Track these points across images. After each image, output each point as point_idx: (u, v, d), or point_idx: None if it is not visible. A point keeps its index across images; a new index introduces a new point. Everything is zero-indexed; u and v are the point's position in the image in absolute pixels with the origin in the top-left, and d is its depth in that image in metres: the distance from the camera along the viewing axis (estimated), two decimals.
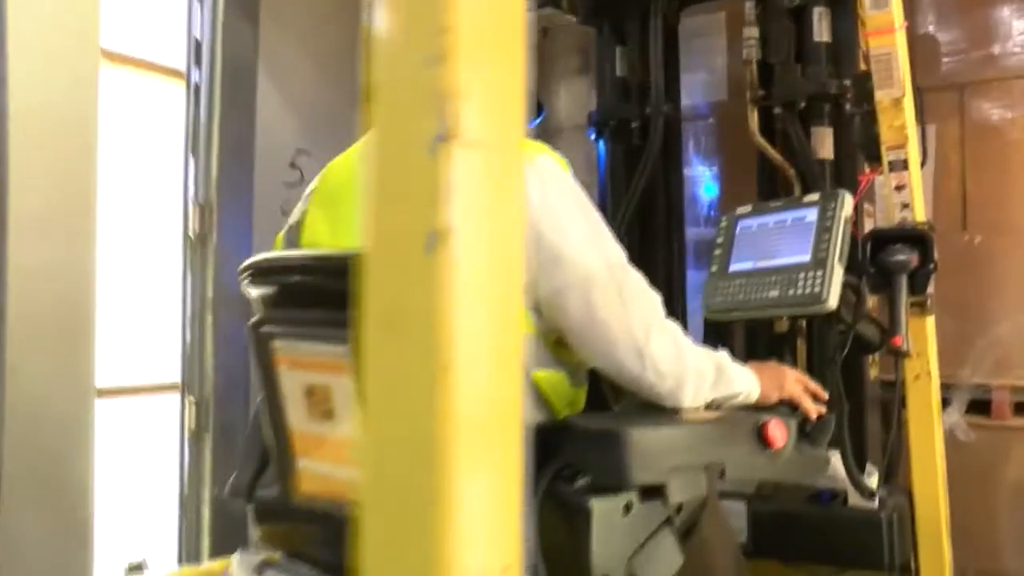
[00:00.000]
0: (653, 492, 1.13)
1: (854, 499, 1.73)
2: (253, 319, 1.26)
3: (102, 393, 2.11)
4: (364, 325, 0.46)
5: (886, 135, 1.68)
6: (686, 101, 2.62)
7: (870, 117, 1.75)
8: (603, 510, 1.09)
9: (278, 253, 1.31)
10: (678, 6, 2.48)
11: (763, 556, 1.77)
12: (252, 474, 1.42)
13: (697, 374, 1.25)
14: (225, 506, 2.36)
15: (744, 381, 1.33)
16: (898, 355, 1.56)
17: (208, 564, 1.60)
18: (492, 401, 0.44)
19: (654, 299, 1.24)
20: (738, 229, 1.76)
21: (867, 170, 1.89)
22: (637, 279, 1.24)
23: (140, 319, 2.93)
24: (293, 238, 1.37)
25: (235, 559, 1.33)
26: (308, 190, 1.43)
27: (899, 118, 1.65)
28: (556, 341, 1.22)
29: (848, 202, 1.60)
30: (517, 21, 0.46)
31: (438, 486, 0.43)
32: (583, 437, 1.12)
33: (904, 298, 1.56)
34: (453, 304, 0.43)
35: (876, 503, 1.72)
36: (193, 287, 2.55)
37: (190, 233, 2.55)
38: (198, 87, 2.59)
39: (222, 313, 2.53)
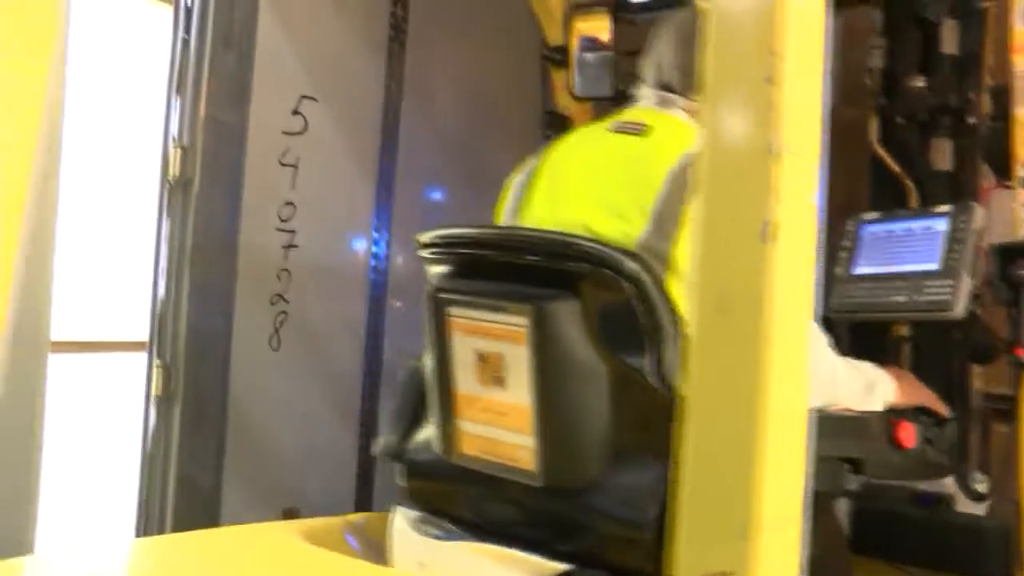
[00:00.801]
0: None
1: (962, 505, 1.80)
2: (432, 286, 1.38)
3: (58, 347, 1.66)
4: (694, 305, 0.57)
5: (1021, 151, 1.74)
6: None
7: (1003, 131, 1.81)
8: None
9: (465, 227, 1.43)
10: None
11: (862, 553, 1.85)
12: (402, 433, 1.56)
13: (848, 398, 1.35)
14: (194, 481, 2.30)
15: (886, 395, 1.41)
16: (1020, 366, 1.63)
17: (359, 515, 1.73)
18: (800, 370, 0.55)
19: (822, 354, 1.33)
20: (864, 233, 1.83)
21: (991, 183, 1.95)
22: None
23: (111, 268, 2.76)
24: (514, 209, 1.48)
25: (396, 513, 1.46)
26: (529, 167, 1.53)
27: None
28: None
29: (980, 215, 1.67)
30: (819, 50, 0.57)
31: (755, 446, 0.53)
32: None
33: None
34: (780, 286, 0.53)
35: (983, 510, 1.79)
36: (171, 236, 2.30)
37: (169, 177, 2.29)
38: (189, 11, 2.30)
39: (201, 267, 2.30)
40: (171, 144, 2.29)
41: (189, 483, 2.30)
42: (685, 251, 1.29)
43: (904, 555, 1.81)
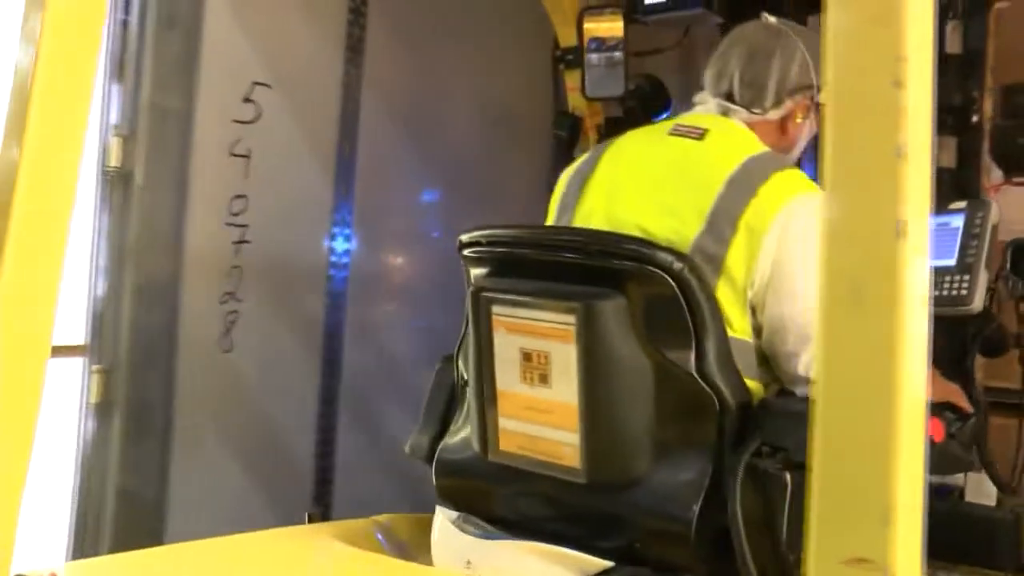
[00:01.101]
0: None
1: (972, 495, 1.85)
2: (475, 285, 1.39)
3: None
4: (825, 299, 0.59)
5: None
6: None
7: (1013, 130, 1.86)
8: (798, 483, 1.23)
9: (509, 226, 1.44)
10: (805, 8, 2.58)
11: None
12: (433, 433, 1.57)
13: None
14: (135, 495, 2.15)
15: None
16: None
17: (385, 516, 1.74)
18: (922, 359, 0.58)
19: None
20: None
21: (998, 180, 2.00)
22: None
23: None
24: (567, 205, 1.50)
25: (438, 512, 1.47)
26: (583, 165, 1.55)
27: None
28: (762, 358, 1.36)
29: (995, 211, 1.72)
30: (930, 51, 0.60)
31: (891, 433, 0.56)
32: (782, 416, 1.26)
33: None
34: (909, 280, 0.56)
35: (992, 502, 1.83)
36: (110, 231, 2.15)
37: (108, 168, 2.14)
38: None
39: (143, 265, 2.16)
40: (109, 133, 2.14)
41: (130, 497, 2.15)
42: (739, 255, 1.32)
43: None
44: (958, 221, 1.76)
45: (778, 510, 1.23)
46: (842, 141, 0.60)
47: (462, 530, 1.41)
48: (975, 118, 2.23)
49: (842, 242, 0.58)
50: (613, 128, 2.43)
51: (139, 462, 2.17)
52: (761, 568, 1.24)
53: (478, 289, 1.40)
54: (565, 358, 1.31)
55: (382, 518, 1.73)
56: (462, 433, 1.52)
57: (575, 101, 2.40)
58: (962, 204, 1.79)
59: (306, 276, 2.52)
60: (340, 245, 2.57)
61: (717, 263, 1.32)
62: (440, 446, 1.54)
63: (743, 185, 1.36)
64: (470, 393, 1.47)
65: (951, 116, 2.29)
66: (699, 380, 1.27)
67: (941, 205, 2.26)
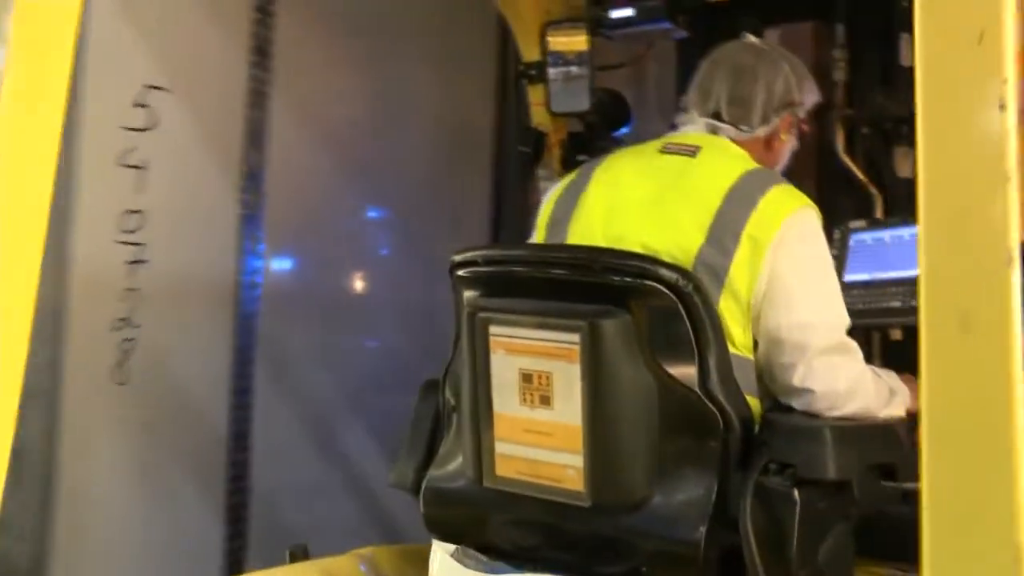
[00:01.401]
0: (843, 487, 1.26)
1: None
2: (472, 305, 1.35)
3: None
4: (931, 329, 0.57)
5: None
6: None
7: None
8: (806, 500, 1.22)
9: (506, 245, 1.40)
10: (765, 23, 2.61)
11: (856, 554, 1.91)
12: (419, 464, 1.52)
13: (876, 406, 1.40)
14: (8, 556, 1.91)
15: (906, 401, 1.46)
16: None
17: (366, 549, 1.67)
18: None
19: (858, 366, 1.38)
20: (852, 241, 1.90)
21: None
22: (851, 346, 1.38)
23: None
24: (559, 224, 1.47)
25: (435, 545, 1.42)
26: (571, 184, 1.53)
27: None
28: (760, 374, 1.36)
29: None
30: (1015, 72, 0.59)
31: (1012, 469, 0.54)
32: (789, 433, 1.25)
33: None
34: (1016, 304, 0.55)
35: None
36: None
37: None
38: None
39: None
40: None
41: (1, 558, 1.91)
42: (742, 267, 1.31)
43: (896, 552, 1.88)
44: None
45: (788, 528, 1.22)
46: (943, 168, 0.58)
47: (463, 563, 1.36)
48: None
49: (948, 270, 0.57)
50: (576, 143, 2.41)
51: (12, 517, 1.82)
52: None
53: (474, 310, 1.35)
54: (568, 378, 1.28)
55: (365, 551, 1.67)
56: (452, 460, 1.47)
57: (539, 116, 2.38)
58: None
59: (212, 298, 2.31)
60: (251, 263, 2.39)
61: (721, 275, 1.32)
62: (427, 475, 1.49)
63: (744, 198, 1.36)
64: (462, 418, 1.43)
65: (908, 127, 2.35)
66: (703, 398, 1.26)
67: (901, 211, 2.33)
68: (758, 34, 2.22)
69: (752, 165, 1.47)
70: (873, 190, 2.37)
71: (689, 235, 1.34)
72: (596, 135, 2.39)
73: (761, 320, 1.35)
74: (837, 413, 1.35)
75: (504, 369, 1.34)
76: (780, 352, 1.35)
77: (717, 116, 1.56)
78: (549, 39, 2.24)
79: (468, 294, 1.39)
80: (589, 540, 1.31)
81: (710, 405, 1.26)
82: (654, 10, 2.11)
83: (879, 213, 2.37)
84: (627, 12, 2.11)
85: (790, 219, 1.36)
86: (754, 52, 1.62)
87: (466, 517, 1.44)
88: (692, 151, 1.47)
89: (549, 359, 1.29)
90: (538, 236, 1.52)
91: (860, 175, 2.37)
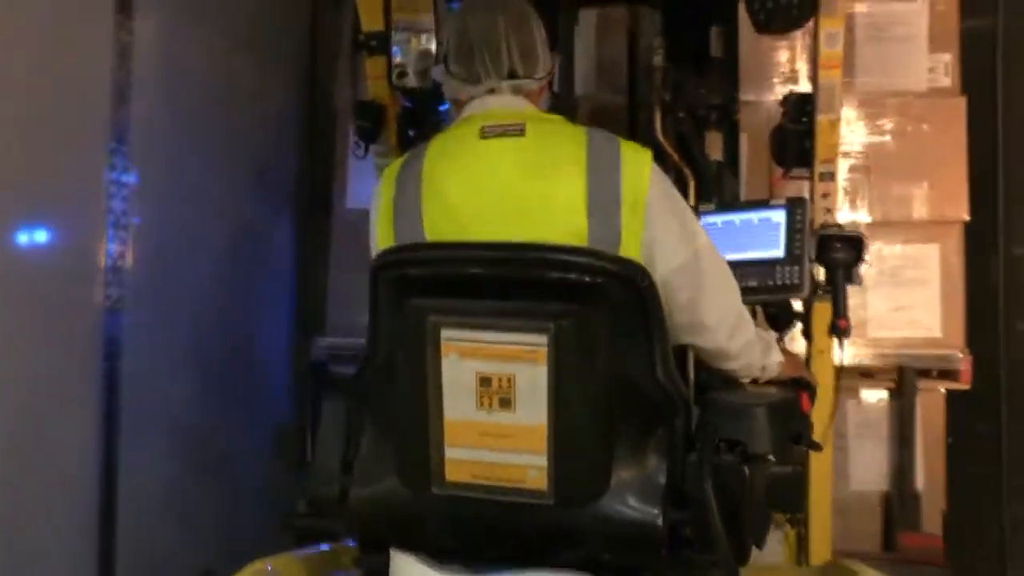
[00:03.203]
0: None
1: None
2: (417, 307, 1.29)
3: None
4: None
5: (821, 151, 2.08)
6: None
7: (799, 133, 2.14)
8: (754, 475, 1.34)
9: (455, 243, 1.34)
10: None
11: None
12: (340, 479, 1.45)
13: (760, 343, 1.54)
14: None
15: (777, 359, 1.63)
16: (843, 335, 1.97)
17: (269, 559, 1.55)
18: None
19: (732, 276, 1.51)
20: (704, 224, 2.05)
21: (779, 175, 2.30)
22: (723, 259, 1.50)
23: None
24: (412, 223, 1.40)
25: (395, 554, 1.36)
26: (399, 186, 1.45)
27: (834, 137, 2.06)
28: None
29: (810, 208, 1.98)
30: None
31: None
32: (737, 413, 1.35)
33: (845, 288, 1.98)
34: None
35: None
36: None
37: None
38: None
39: None
40: None
41: None
42: (630, 234, 1.35)
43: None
44: (779, 216, 1.99)
45: (741, 499, 1.32)
46: None
47: (439, 569, 1.31)
48: (736, 116, 2.53)
49: None
50: (408, 118, 2.36)
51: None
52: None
53: (422, 313, 1.29)
54: (533, 380, 1.28)
55: (269, 563, 1.56)
56: (378, 468, 1.41)
57: (378, 89, 2.28)
58: (780, 201, 2.02)
59: (70, 289, 2.10)
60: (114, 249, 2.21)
61: (615, 249, 1.33)
62: (353, 486, 1.42)
63: (604, 164, 1.38)
64: (398, 424, 1.38)
65: (715, 113, 2.58)
66: (659, 385, 1.32)
67: (713, 193, 2.55)
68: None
69: (576, 125, 1.48)
70: (687, 172, 2.58)
71: (571, 221, 1.34)
72: (426, 109, 2.34)
73: (656, 270, 1.37)
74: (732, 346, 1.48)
75: (457, 373, 1.31)
76: (679, 290, 1.41)
77: (513, 74, 1.52)
78: (394, 10, 2.15)
79: (408, 297, 1.32)
80: (550, 533, 1.33)
81: (662, 392, 1.32)
82: None
83: (692, 194, 2.59)
84: None
85: (652, 170, 1.40)
86: (506, 1, 1.56)
87: (406, 525, 1.39)
88: (517, 129, 1.42)
89: (511, 362, 1.28)
90: (383, 232, 1.45)
91: (676, 158, 2.56)
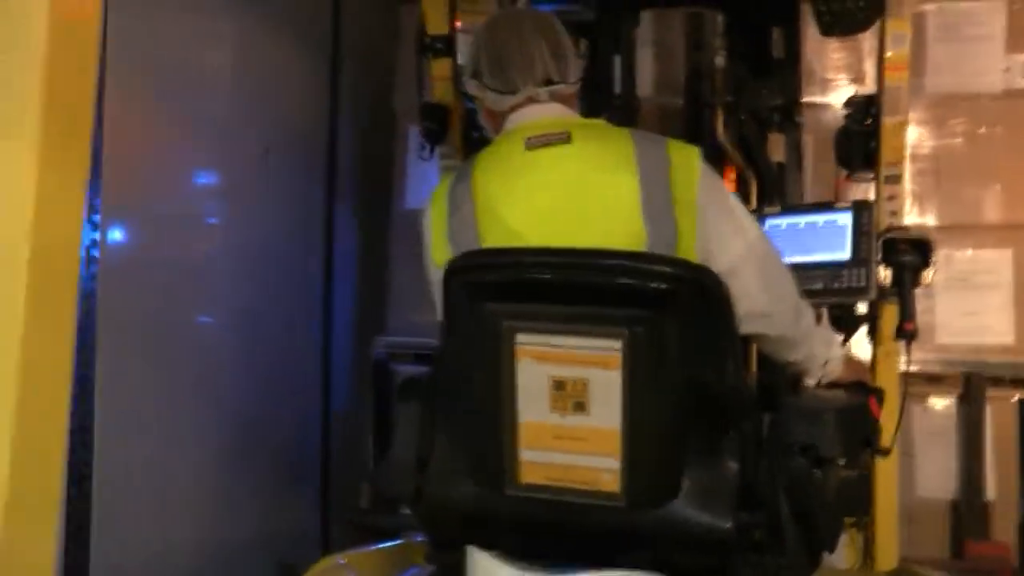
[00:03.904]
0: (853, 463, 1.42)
1: None
2: (491, 312, 1.34)
3: None
4: None
5: (887, 153, 2.09)
6: None
7: (865, 135, 2.15)
8: (827, 478, 1.37)
9: (530, 248, 1.40)
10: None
11: None
12: (412, 470, 1.51)
13: (822, 335, 1.57)
14: None
15: (839, 348, 1.66)
16: (910, 338, 1.98)
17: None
18: None
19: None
20: (767, 227, 2.08)
21: (843, 177, 2.32)
22: (774, 247, 1.56)
23: None
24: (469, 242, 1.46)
25: (473, 553, 1.41)
26: (455, 200, 1.52)
27: (900, 139, 2.07)
28: None
29: (875, 211, 1.99)
30: None
31: None
32: (810, 417, 1.39)
33: (912, 291, 1.99)
34: None
35: None
36: None
37: None
38: None
39: None
40: None
41: None
42: (686, 235, 1.40)
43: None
44: (844, 219, 2.01)
45: (813, 505, 1.35)
46: None
47: (523, 568, 1.36)
48: (799, 118, 2.55)
49: None
50: (471, 121, 2.42)
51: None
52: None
53: (496, 318, 1.35)
54: (606, 384, 1.33)
55: (341, 557, 1.63)
56: (452, 467, 1.47)
57: (442, 92, 2.35)
58: (845, 204, 2.04)
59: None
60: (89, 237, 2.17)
61: (673, 251, 1.39)
62: (428, 488, 1.48)
63: (653, 166, 1.42)
64: (472, 426, 1.43)
65: (777, 115, 2.60)
66: (729, 388, 1.35)
67: (775, 195, 2.57)
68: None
69: (619, 128, 1.52)
70: (749, 175, 2.60)
71: (628, 224, 1.39)
72: None
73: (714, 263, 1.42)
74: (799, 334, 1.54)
75: (532, 377, 1.35)
76: (743, 281, 1.44)
77: (548, 81, 1.56)
78: (459, 11, 2.22)
79: (482, 302, 1.38)
80: (620, 535, 1.37)
81: (733, 395, 1.36)
82: None
83: (754, 197, 2.61)
84: None
85: (700, 167, 1.44)
86: (525, 11, 1.67)
87: (478, 525, 1.45)
88: (562, 137, 1.47)
89: (585, 366, 1.33)
90: (436, 245, 1.51)
91: (739, 160, 2.58)
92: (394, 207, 3.18)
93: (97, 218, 2.14)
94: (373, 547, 1.76)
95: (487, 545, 1.43)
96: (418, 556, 1.75)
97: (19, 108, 1.04)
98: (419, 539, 1.81)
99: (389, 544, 1.80)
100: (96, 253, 2.14)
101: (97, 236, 2.15)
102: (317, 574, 1.57)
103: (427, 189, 2.72)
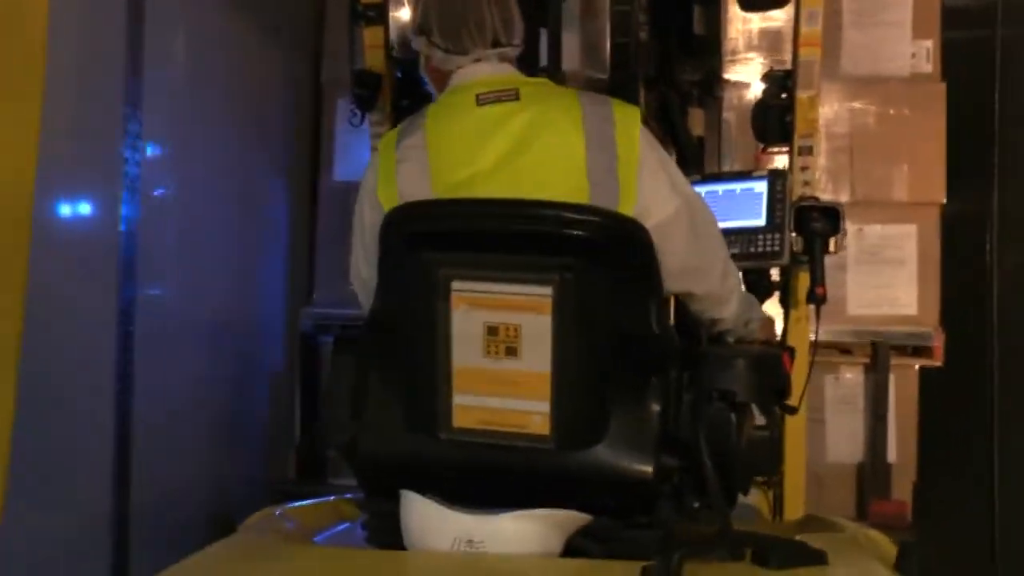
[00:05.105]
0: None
1: None
2: (427, 261, 1.42)
3: None
4: None
5: (801, 126, 2.24)
6: None
7: (780, 109, 2.29)
8: (740, 422, 1.49)
9: (466, 200, 1.47)
10: None
11: None
12: (347, 421, 1.57)
13: (746, 296, 1.70)
14: None
15: (760, 310, 1.79)
16: (820, 303, 2.13)
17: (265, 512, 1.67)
18: None
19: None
20: None
21: (759, 150, 2.46)
22: (708, 207, 1.67)
23: None
24: (419, 188, 1.53)
25: (407, 497, 1.48)
26: (406, 148, 1.57)
27: (813, 112, 2.21)
28: None
29: (789, 179, 2.13)
30: None
31: None
32: (732, 364, 1.50)
33: (822, 257, 2.13)
34: None
35: None
36: None
37: None
38: None
39: None
40: None
41: None
42: (627, 193, 1.48)
43: None
44: (760, 187, 2.14)
45: (729, 447, 1.47)
46: None
47: (458, 509, 1.44)
48: (719, 93, 2.68)
49: None
50: (401, 88, 2.48)
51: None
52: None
53: (432, 266, 1.42)
54: (537, 329, 1.41)
55: (277, 509, 1.68)
56: (386, 416, 1.54)
57: (374, 59, 2.40)
58: (762, 172, 2.17)
59: (83, 255, 2.24)
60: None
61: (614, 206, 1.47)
62: (361, 434, 1.54)
63: (598, 126, 1.51)
64: (407, 373, 1.50)
65: (697, 89, 2.73)
66: (654, 336, 1.46)
67: (695, 167, 2.71)
68: None
69: (565, 88, 1.64)
70: (670, 147, 2.73)
71: (572, 179, 1.47)
72: (415, 79, 2.46)
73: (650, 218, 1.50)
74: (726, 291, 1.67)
75: (467, 323, 1.43)
76: (673, 240, 1.53)
77: (496, 43, 1.64)
78: None
79: (420, 251, 1.45)
80: (550, 476, 1.46)
81: (657, 343, 1.46)
82: None
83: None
84: None
85: (640, 127, 1.54)
86: None
87: (414, 470, 1.52)
88: (511, 95, 1.55)
89: (518, 312, 1.42)
90: (386, 202, 1.54)
91: (660, 132, 2.71)
92: (322, 180, 3.22)
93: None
94: (307, 502, 1.82)
95: (421, 490, 1.50)
96: (348, 512, 1.82)
97: None
98: (348, 497, 1.88)
99: (321, 500, 1.86)
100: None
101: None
102: (254, 522, 1.62)
103: (355, 162, 2.78)
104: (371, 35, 2.37)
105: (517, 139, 1.52)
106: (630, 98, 2.71)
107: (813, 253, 2.15)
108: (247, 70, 3.01)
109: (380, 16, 2.32)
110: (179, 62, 2.62)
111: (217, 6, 2.82)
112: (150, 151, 2.47)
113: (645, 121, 1.60)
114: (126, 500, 2.33)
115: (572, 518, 1.44)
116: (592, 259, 1.41)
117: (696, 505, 1.50)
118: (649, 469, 1.44)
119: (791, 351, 1.86)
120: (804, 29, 2.18)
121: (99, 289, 2.33)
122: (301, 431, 3.02)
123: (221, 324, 2.82)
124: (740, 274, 1.73)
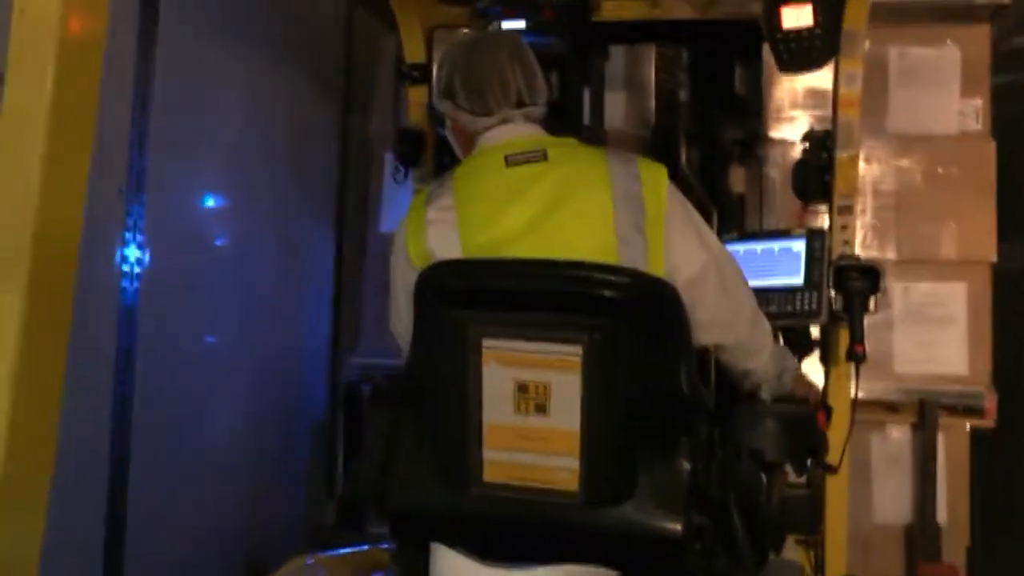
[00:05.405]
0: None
1: None
2: (458, 318, 1.46)
3: None
4: None
5: (840, 185, 2.25)
6: None
7: (820, 168, 2.31)
8: (771, 481, 1.49)
9: (498, 259, 1.52)
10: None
11: None
12: (378, 473, 1.61)
13: (777, 348, 1.71)
14: None
15: (793, 362, 1.80)
16: (859, 361, 2.12)
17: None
18: None
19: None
20: None
21: (799, 208, 2.47)
22: (735, 260, 1.71)
23: None
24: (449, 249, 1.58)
25: (438, 550, 1.51)
26: (436, 209, 1.63)
27: (852, 172, 2.23)
28: None
29: (828, 239, 2.14)
30: None
31: None
32: (760, 423, 1.51)
33: (861, 315, 2.13)
34: None
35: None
36: None
37: None
38: None
39: None
40: None
41: None
42: (655, 251, 1.52)
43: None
44: (799, 246, 2.16)
45: (759, 506, 1.48)
46: None
47: (484, 564, 1.46)
48: (761, 152, 2.71)
49: None
50: (445, 146, 2.56)
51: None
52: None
53: (462, 323, 1.47)
54: (567, 387, 1.45)
55: (310, 557, 1.72)
56: (419, 468, 1.57)
57: (417, 117, 2.49)
58: (800, 231, 2.19)
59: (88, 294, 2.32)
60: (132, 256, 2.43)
61: (641, 266, 1.51)
62: (394, 491, 1.58)
63: (626, 184, 1.56)
64: (438, 428, 1.54)
65: (738, 148, 2.76)
66: (683, 395, 1.48)
67: (734, 225, 2.73)
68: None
69: (591, 147, 1.68)
70: (710, 205, 2.76)
71: (600, 238, 1.52)
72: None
73: (681, 275, 1.56)
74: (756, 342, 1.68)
75: (497, 380, 1.47)
76: (703, 294, 1.58)
77: (521, 103, 1.69)
78: (436, 41, 2.36)
79: (451, 309, 1.49)
80: (578, 533, 1.48)
81: (687, 401, 1.49)
82: (545, 24, 2.29)
83: (715, 226, 2.76)
84: (519, 24, 2.27)
85: (668, 184, 1.59)
86: (498, 35, 1.81)
87: (443, 524, 1.55)
88: (539, 155, 1.60)
89: (547, 369, 1.45)
90: (417, 261, 1.59)
91: (701, 190, 2.74)
92: (370, 231, 3.31)
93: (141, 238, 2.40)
94: (340, 551, 1.86)
95: (451, 543, 1.53)
96: (383, 562, 1.85)
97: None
98: (383, 547, 1.91)
99: (355, 549, 1.90)
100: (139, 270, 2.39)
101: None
102: (286, 573, 1.66)
103: (402, 214, 2.86)
104: (415, 94, 2.46)
105: (546, 199, 1.57)
106: (672, 156, 2.77)
107: (852, 312, 2.15)
108: (296, 121, 3.12)
109: (423, 76, 2.41)
110: (234, 113, 2.72)
111: (271, 62, 2.94)
112: (208, 201, 2.58)
113: (675, 177, 1.64)
114: (161, 544, 2.38)
115: (600, 575, 1.45)
116: (621, 319, 1.44)
117: (727, 565, 1.51)
118: (678, 527, 1.46)
119: (827, 409, 1.86)
120: (843, 91, 2.20)
121: (147, 334, 2.40)
122: (344, 479, 3.07)
123: (266, 372, 2.90)
124: (769, 327, 1.74)
